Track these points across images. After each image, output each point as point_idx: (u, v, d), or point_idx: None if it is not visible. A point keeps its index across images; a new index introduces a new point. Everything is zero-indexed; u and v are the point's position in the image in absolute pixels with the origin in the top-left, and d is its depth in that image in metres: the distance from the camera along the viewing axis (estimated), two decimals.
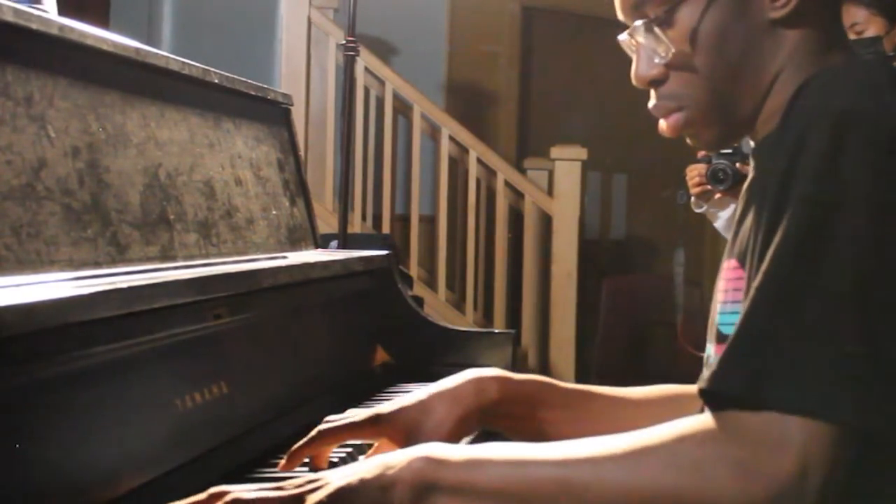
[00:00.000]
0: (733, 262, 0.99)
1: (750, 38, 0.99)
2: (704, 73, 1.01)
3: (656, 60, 1.02)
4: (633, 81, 1.05)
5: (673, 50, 1.01)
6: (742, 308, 0.86)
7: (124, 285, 1.01)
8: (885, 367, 0.80)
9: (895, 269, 0.82)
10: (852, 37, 2.90)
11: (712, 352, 1.02)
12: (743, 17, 0.99)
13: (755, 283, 0.84)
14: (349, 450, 1.21)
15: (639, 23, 1.03)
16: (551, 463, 0.87)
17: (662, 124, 1.05)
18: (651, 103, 1.05)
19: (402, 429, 1.11)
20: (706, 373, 0.85)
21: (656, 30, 1.02)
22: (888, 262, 0.82)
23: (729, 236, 1.05)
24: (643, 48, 1.03)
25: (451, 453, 0.90)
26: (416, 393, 1.16)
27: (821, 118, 0.87)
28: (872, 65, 0.97)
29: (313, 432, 1.11)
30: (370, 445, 1.20)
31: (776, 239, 0.84)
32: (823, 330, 0.80)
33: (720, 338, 1.00)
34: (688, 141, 1.08)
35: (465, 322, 4.32)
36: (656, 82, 1.04)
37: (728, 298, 0.99)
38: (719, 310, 1.01)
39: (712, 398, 0.83)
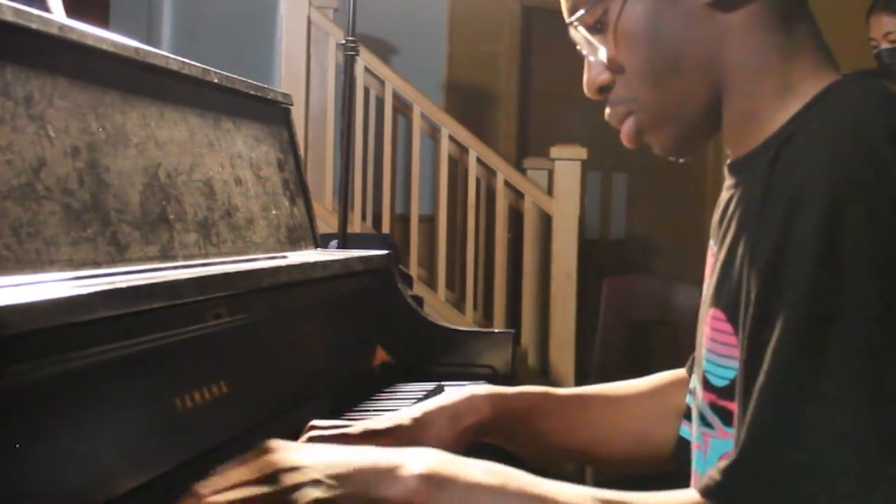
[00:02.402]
0: (719, 314, 0.93)
1: (684, 27, 0.93)
2: (643, 72, 0.95)
3: (599, 66, 0.98)
4: (585, 92, 1.00)
5: (606, 52, 0.96)
6: (742, 408, 0.81)
7: (124, 285, 1.01)
8: None
9: None
10: (886, 46, 2.89)
11: (699, 392, 0.99)
12: (672, 5, 0.92)
13: (757, 386, 0.79)
14: None
15: (571, 28, 0.99)
16: None
17: (622, 134, 1.01)
18: (606, 112, 1.01)
19: (396, 445, 1.10)
20: (708, 477, 0.81)
21: (584, 32, 0.98)
22: None
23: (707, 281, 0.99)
24: (587, 56, 0.99)
25: (455, 473, 0.86)
26: (410, 410, 1.15)
27: (814, 192, 0.79)
28: (868, 100, 0.87)
29: (303, 439, 1.10)
30: None
31: (775, 337, 0.78)
32: (836, 450, 0.74)
33: (707, 385, 0.96)
34: (655, 151, 1.02)
35: (465, 322, 4.32)
36: (605, 89, 0.99)
37: (714, 349, 0.94)
38: (705, 356, 0.96)
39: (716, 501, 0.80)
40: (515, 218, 4.66)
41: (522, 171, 4.64)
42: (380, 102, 4.62)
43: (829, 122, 0.86)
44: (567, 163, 4.48)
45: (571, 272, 4.45)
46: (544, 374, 4.48)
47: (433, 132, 4.68)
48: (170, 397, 1.07)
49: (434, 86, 5.18)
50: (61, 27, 1.15)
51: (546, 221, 4.55)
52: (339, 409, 1.47)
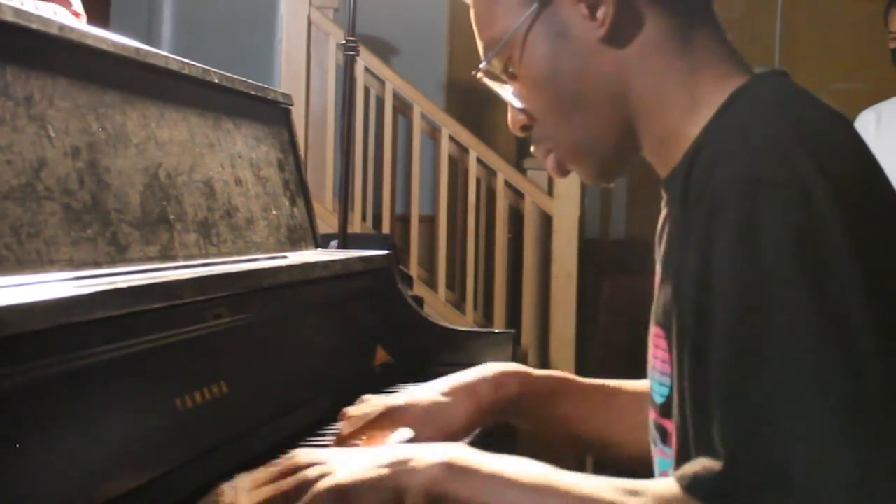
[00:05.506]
0: (659, 331, 0.95)
1: (582, 65, 0.95)
2: (550, 112, 0.98)
3: (515, 108, 1.00)
4: (511, 131, 1.03)
5: (515, 94, 0.99)
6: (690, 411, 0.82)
7: (124, 285, 1.01)
8: (872, 469, 0.75)
9: (854, 345, 0.76)
10: None
11: (650, 414, 0.99)
12: (567, 46, 0.95)
13: (715, 398, 0.79)
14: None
15: (480, 75, 1.02)
16: (571, 498, 0.83)
17: (548, 168, 1.04)
18: (531, 149, 1.04)
19: (416, 420, 1.12)
20: (688, 469, 0.81)
21: (488, 82, 1.01)
22: (842, 341, 0.76)
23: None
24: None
25: (475, 463, 0.87)
26: (434, 385, 1.17)
27: (728, 196, 0.80)
28: (770, 100, 0.89)
29: (352, 409, 1.16)
30: None
31: (716, 348, 0.79)
32: (810, 442, 0.75)
33: (651, 402, 0.98)
34: (582, 180, 1.04)
35: (465, 322, 4.31)
36: (527, 128, 1.01)
37: (656, 366, 0.96)
38: (650, 374, 0.99)
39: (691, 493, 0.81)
40: (516, 218, 4.65)
41: (523, 171, 4.63)
42: (380, 102, 4.61)
43: (735, 127, 0.87)
44: None
45: (572, 272, 4.45)
46: None
47: (433, 132, 4.68)
48: (170, 397, 1.07)
49: (434, 86, 5.17)
50: (61, 27, 1.15)
51: (546, 221, 4.55)
52: (340, 410, 1.47)
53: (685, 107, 0.93)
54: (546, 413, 1.21)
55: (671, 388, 0.89)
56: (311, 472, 0.88)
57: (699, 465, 0.80)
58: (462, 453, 0.88)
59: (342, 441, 1.15)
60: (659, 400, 0.95)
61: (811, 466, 0.75)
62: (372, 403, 1.18)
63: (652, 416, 0.98)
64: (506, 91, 1.01)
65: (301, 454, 0.92)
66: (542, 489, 0.84)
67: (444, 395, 1.15)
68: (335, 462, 0.89)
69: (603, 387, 1.25)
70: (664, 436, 0.94)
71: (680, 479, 0.81)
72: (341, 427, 1.15)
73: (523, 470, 0.86)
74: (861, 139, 0.89)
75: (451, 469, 0.86)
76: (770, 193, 0.79)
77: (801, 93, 0.91)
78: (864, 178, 0.85)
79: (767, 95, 0.90)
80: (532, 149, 1.03)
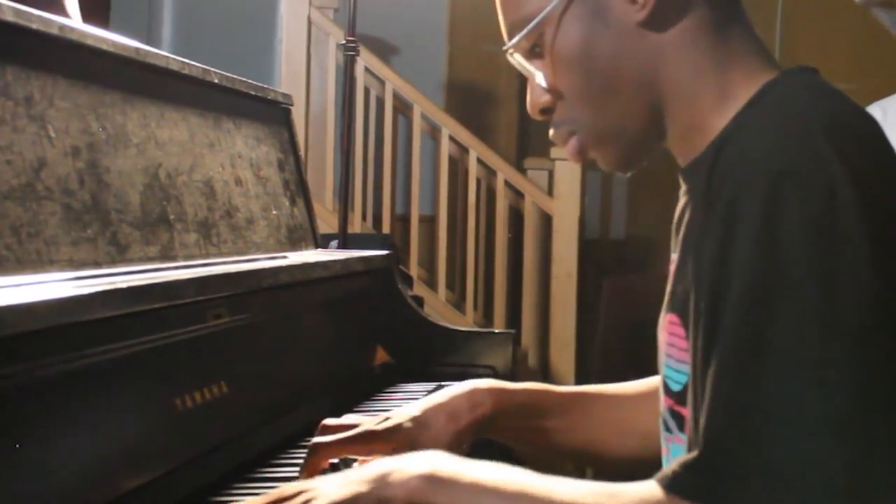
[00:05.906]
0: (675, 318, 0.95)
1: (617, 48, 0.94)
2: (580, 94, 0.97)
3: (539, 89, 0.99)
4: (529, 114, 1.02)
5: (544, 76, 0.98)
6: (699, 409, 0.83)
7: (124, 285, 1.01)
8: (862, 471, 0.75)
9: (859, 345, 0.76)
10: None
11: (662, 397, 1.00)
12: (604, 28, 0.94)
13: (709, 386, 0.80)
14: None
15: (508, 55, 1.00)
16: None
17: (567, 153, 1.02)
18: (550, 132, 1.02)
19: (397, 445, 1.09)
20: (672, 472, 0.81)
21: (518, 59, 1.00)
22: (848, 338, 0.76)
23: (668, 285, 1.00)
24: (529, 78, 1.01)
25: (455, 473, 0.88)
26: (410, 408, 1.15)
27: (752, 185, 0.80)
28: (801, 94, 0.89)
29: (315, 439, 1.11)
30: None
31: (723, 333, 0.80)
32: (793, 439, 0.76)
33: (666, 390, 0.98)
34: (601, 166, 1.03)
35: (465, 322, 4.31)
36: (547, 111, 1.00)
37: (672, 354, 0.96)
38: (665, 362, 0.98)
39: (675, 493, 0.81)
40: (516, 218, 4.66)
41: (523, 171, 4.64)
42: (380, 102, 4.62)
43: (764, 119, 0.87)
44: (567, 163, 4.47)
45: (572, 272, 4.45)
46: (544, 374, 4.47)
47: (433, 132, 4.68)
48: (170, 397, 1.07)
49: (434, 86, 5.17)
50: (61, 27, 1.15)
51: (546, 221, 4.55)
52: (340, 410, 1.47)
53: (715, 98, 0.93)
54: (523, 427, 1.20)
55: (689, 376, 0.89)
56: (297, 500, 0.89)
57: (676, 462, 0.81)
58: (442, 463, 0.89)
59: (314, 451, 1.10)
60: (675, 388, 0.95)
61: (803, 463, 0.75)
62: (351, 419, 1.16)
63: (666, 403, 0.98)
64: (534, 70, 1.00)
65: (287, 485, 0.94)
66: (522, 496, 0.85)
67: (422, 419, 1.12)
68: (321, 487, 0.90)
69: (582, 394, 1.24)
70: (682, 423, 0.94)
71: (661, 481, 0.82)
72: (316, 440, 1.10)
73: (503, 477, 0.87)
74: (887, 138, 0.88)
75: (431, 479, 0.87)
76: (793, 187, 0.79)
77: (830, 89, 0.91)
78: (889, 175, 0.85)
79: (797, 90, 0.90)
80: (551, 133, 1.02)
